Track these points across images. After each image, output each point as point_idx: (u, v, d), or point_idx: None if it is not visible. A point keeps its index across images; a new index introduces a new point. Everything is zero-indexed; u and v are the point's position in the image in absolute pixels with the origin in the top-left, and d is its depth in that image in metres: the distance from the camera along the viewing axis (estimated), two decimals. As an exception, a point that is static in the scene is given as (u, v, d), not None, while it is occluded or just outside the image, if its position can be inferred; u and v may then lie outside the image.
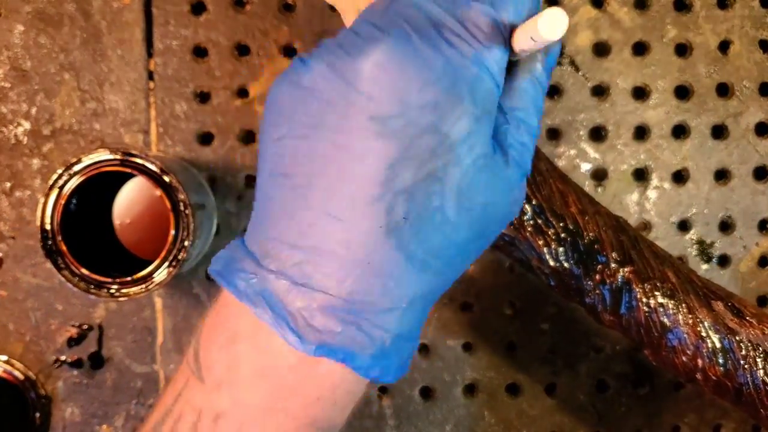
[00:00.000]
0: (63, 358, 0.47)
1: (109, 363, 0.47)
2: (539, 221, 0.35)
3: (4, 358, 0.47)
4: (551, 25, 0.23)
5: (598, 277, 0.35)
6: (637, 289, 0.35)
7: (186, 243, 0.40)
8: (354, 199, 0.23)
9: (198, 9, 0.47)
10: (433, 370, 0.48)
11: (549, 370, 0.48)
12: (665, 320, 0.35)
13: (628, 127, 0.47)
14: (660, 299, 0.35)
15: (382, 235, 0.23)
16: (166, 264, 0.40)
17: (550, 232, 0.35)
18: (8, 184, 0.46)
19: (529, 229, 0.35)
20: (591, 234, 0.35)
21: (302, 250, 0.24)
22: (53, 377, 0.47)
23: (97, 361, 0.47)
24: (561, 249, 0.35)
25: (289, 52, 0.47)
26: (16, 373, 0.46)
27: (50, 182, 0.39)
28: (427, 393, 0.48)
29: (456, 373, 0.48)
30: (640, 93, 0.48)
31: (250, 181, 0.47)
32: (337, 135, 0.23)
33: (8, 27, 0.46)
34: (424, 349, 0.48)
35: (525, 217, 0.35)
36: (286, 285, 0.23)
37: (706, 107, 0.47)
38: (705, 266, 0.48)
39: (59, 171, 0.39)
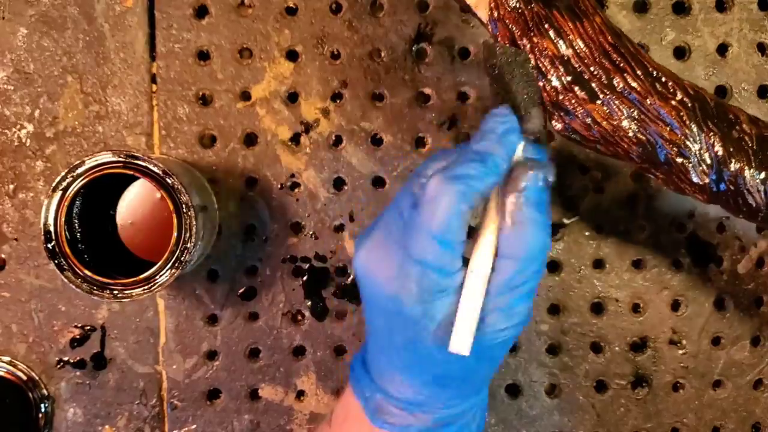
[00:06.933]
0: (66, 358, 0.47)
1: (111, 364, 0.48)
2: (662, 89, 0.33)
3: (8, 358, 0.47)
4: (459, 343, 0.31)
5: (735, 135, 0.33)
6: None
7: (188, 244, 0.40)
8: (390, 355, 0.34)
9: (201, 12, 0.47)
10: (434, 370, 0.48)
11: (548, 370, 0.48)
12: None
13: (627, 130, 0.48)
14: None
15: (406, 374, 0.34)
16: (169, 265, 0.40)
17: (677, 98, 0.33)
18: (11, 186, 0.47)
19: (655, 96, 0.33)
20: (712, 98, 0.34)
21: (383, 375, 0.35)
22: (56, 378, 0.47)
23: (99, 361, 0.48)
24: (690, 113, 0.33)
25: (290, 55, 0.47)
26: (20, 374, 0.47)
27: (54, 184, 0.39)
28: (427, 394, 0.48)
29: (456, 374, 0.48)
30: (639, 95, 0.48)
31: (251, 183, 0.47)
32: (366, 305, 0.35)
33: (12, 30, 0.46)
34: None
35: (649, 80, 0.33)
36: (373, 385, 0.35)
37: (704, 110, 0.47)
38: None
39: (62, 173, 0.39)
